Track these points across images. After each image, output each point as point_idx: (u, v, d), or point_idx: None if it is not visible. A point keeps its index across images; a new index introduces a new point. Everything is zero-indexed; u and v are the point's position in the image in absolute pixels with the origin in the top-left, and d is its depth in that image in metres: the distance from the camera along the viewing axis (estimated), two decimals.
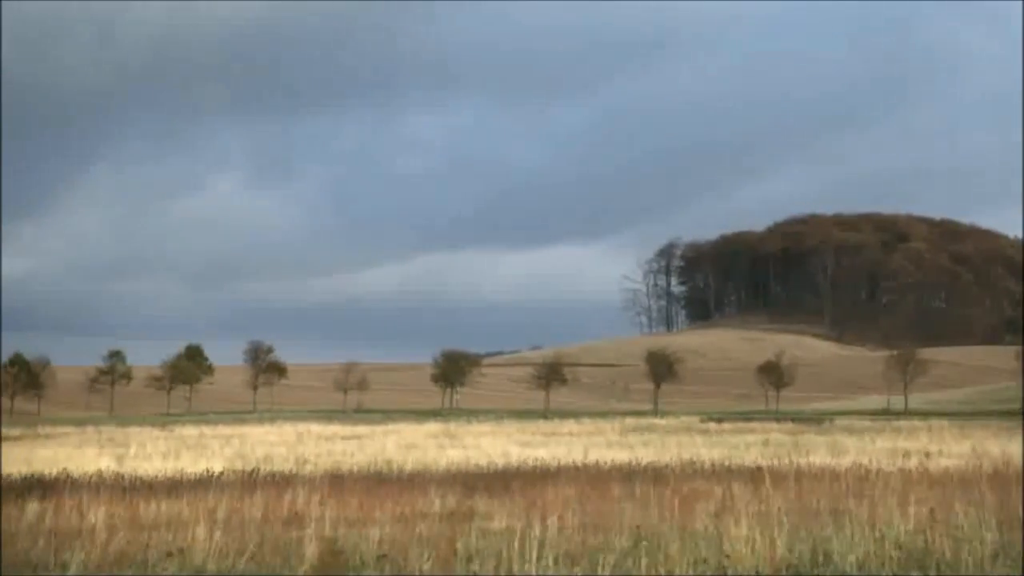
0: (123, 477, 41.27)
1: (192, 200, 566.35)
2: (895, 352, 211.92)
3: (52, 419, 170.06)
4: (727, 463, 46.53)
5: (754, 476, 36.10)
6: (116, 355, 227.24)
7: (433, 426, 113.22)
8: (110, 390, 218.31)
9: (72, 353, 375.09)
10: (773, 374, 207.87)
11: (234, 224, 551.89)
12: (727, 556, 18.84)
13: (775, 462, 47.32)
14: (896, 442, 70.84)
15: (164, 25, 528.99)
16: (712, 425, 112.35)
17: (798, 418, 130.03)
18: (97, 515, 26.18)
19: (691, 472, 40.60)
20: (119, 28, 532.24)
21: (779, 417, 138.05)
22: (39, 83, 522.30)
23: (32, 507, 28.11)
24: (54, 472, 44.48)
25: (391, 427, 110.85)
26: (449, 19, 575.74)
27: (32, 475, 43.11)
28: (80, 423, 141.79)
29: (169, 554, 19.72)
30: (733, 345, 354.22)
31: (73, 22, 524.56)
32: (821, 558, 19.13)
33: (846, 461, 46.84)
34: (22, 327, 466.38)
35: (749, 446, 67.96)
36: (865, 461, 45.86)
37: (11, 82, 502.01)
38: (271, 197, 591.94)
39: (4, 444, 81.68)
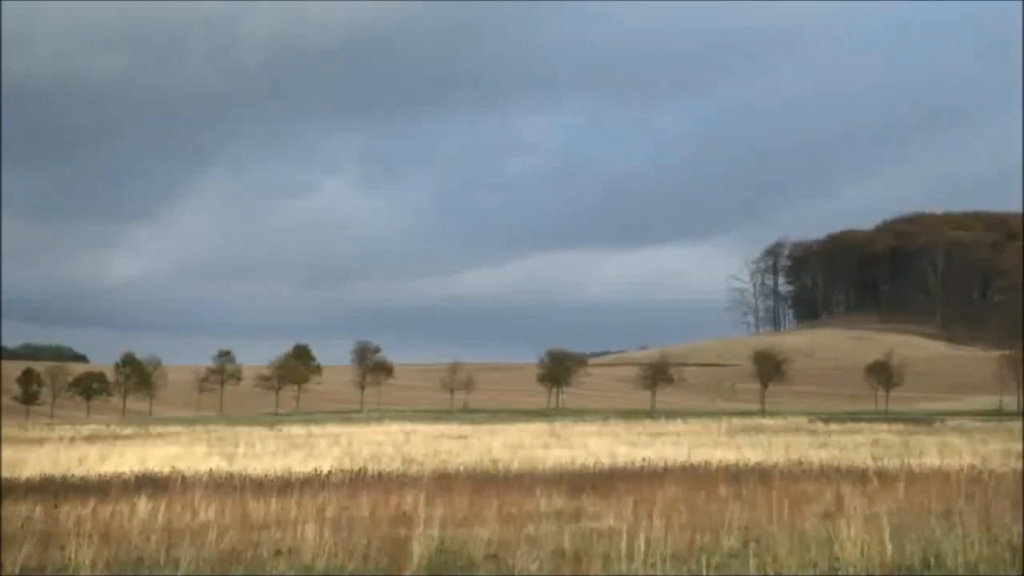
0: (233, 476, 41.66)
1: (302, 202, 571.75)
2: (1007, 352, 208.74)
3: (163, 418, 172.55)
4: (836, 464, 46.08)
5: (863, 477, 35.75)
6: (226, 355, 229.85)
7: (539, 426, 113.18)
8: (220, 390, 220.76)
9: (183, 353, 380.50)
10: (882, 374, 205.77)
11: (343, 226, 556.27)
12: (837, 558, 18.66)
13: (885, 463, 46.86)
14: (1009, 443, 69.70)
15: (278, 30, 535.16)
16: (820, 425, 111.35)
17: (908, 418, 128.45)
18: (208, 513, 26.46)
19: (799, 473, 40.23)
20: (234, 34, 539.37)
21: (888, 418, 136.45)
22: (155, 88, 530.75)
23: (144, 505, 28.44)
24: (165, 471, 45.06)
25: (497, 427, 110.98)
26: (556, 21, 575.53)
27: (144, 473, 43.70)
28: (190, 422, 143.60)
29: (278, 553, 19.87)
30: (841, 345, 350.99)
31: (190, 28, 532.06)
32: (933, 560, 18.89)
33: (957, 462, 46.20)
34: (134, 327, 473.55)
35: (858, 447, 67.25)
36: (977, 462, 45.25)
37: (129, 88, 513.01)
38: (379, 199, 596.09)
39: (117, 442, 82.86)
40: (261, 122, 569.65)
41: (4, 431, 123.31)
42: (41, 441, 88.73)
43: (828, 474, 38.95)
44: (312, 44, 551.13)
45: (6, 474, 46.51)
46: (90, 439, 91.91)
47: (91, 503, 29.23)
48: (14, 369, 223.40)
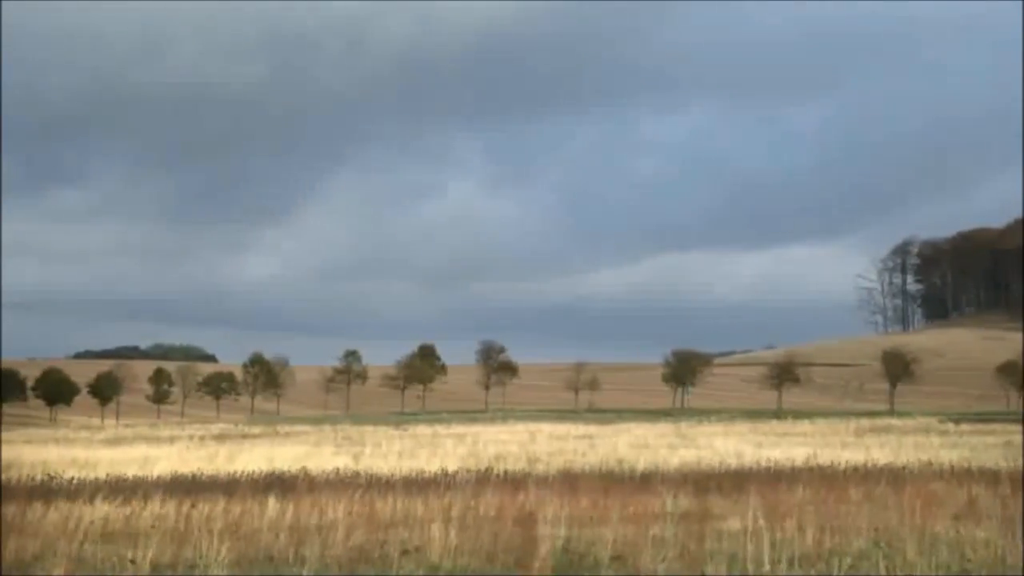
0: (359, 475, 41.97)
1: (430, 203, 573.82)
2: None
3: (290, 418, 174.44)
4: (967, 465, 45.38)
5: (996, 479, 35.17)
6: (352, 355, 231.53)
7: (664, 426, 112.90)
8: (346, 389, 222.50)
9: (310, 353, 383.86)
10: (1014, 374, 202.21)
11: (471, 227, 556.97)
12: (969, 560, 18.37)
13: (1018, 464, 46.05)
14: None
15: (410, 34, 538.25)
16: (950, 426, 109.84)
17: None
18: (335, 512, 26.65)
19: (929, 474, 39.67)
20: (367, 38, 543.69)
21: (1021, 418, 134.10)
22: (288, 94, 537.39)
23: (272, 503, 28.73)
24: (293, 470, 45.51)
25: (622, 427, 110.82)
26: (683, 22, 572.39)
27: (272, 472, 44.18)
28: (317, 422, 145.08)
29: (405, 551, 19.95)
30: (972, 344, 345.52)
31: (321, 35, 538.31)
32: None
33: None
34: (264, 328, 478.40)
35: (989, 448, 66.21)
36: None
37: (263, 94, 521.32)
38: (507, 199, 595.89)
39: (246, 441, 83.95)
40: (390, 125, 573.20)
41: (137, 430, 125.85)
42: (172, 440, 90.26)
43: (959, 475, 38.37)
44: (441, 48, 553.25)
45: (139, 472, 47.32)
46: (219, 438, 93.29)
47: (221, 501, 29.61)
48: (146, 369, 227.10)
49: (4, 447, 79.27)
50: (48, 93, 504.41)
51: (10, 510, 27.00)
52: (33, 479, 41.37)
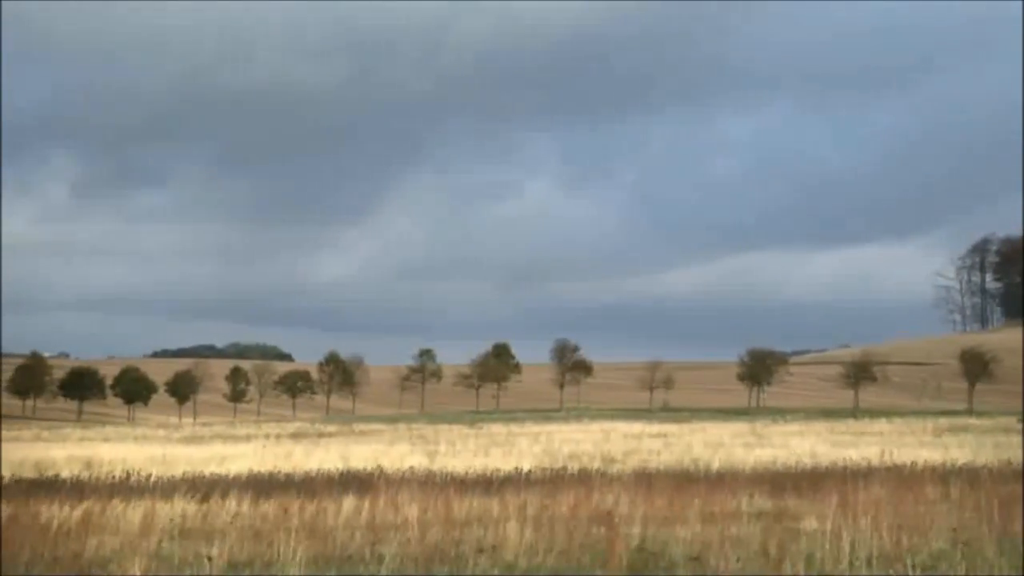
0: (434, 474, 42.07)
1: (507, 203, 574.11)
2: None
3: (365, 416, 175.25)
4: None
5: None
6: (426, 354, 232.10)
7: (740, 425, 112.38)
8: (421, 388, 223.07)
9: (385, 352, 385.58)
10: None
11: (546, 226, 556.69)
12: None
13: None
14: None
15: (488, 35, 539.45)
16: None
17: None
18: (411, 510, 26.72)
19: (1009, 474, 39.25)
20: (446, 39, 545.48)
21: None
22: (366, 95, 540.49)
23: (348, 502, 28.85)
24: (368, 468, 45.68)
25: (697, 426, 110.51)
26: (760, 19, 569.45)
27: (348, 471, 44.36)
28: (392, 420, 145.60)
29: (481, 550, 19.98)
30: None
31: (400, 36, 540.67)
32: None
33: None
34: (339, 327, 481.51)
35: None
36: None
37: (342, 95, 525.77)
38: (583, 199, 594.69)
39: (322, 440, 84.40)
40: (468, 124, 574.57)
41: (214, 428, 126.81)
42: (248, 438, 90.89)
43: None
44: (518, 48, 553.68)
45: (216, 470, 47.66)
46: (295, 436, 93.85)
47: (297, 499, 29.77)
48: (222, 368, 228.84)
49: (84, 445, 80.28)
50: (134, 96, 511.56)
51: (90, 507, 27.29)
52: (112, 476, 41.80)
